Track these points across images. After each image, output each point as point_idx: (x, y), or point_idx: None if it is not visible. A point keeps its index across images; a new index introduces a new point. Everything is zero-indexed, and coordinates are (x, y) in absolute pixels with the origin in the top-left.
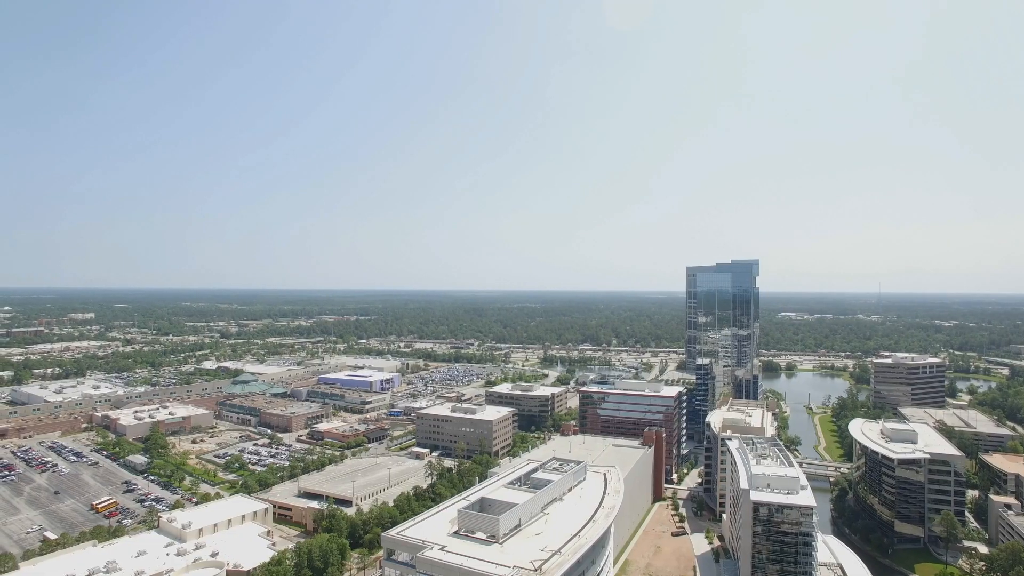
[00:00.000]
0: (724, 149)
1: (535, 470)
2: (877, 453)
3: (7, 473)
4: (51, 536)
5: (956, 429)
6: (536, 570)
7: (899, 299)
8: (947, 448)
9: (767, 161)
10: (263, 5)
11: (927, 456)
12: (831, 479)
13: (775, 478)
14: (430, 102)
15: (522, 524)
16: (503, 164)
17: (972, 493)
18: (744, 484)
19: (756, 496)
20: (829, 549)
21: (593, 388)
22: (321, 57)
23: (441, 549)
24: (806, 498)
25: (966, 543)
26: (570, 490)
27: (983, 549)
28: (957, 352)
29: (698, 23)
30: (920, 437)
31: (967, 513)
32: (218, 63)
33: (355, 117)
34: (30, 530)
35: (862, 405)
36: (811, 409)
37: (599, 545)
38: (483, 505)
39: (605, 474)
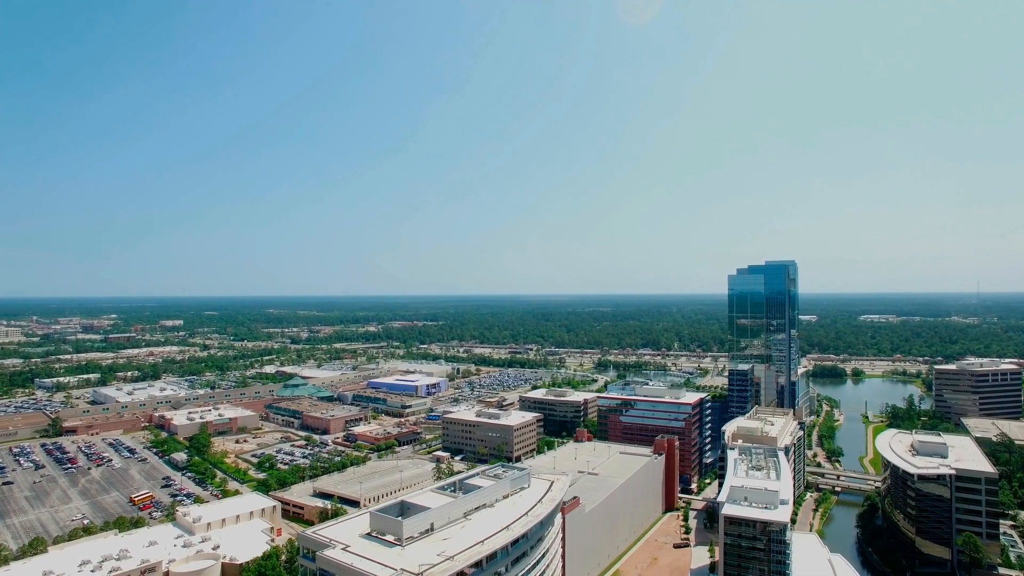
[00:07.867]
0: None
1: (472, 476)
2: (899, 468)
3: (70, 466)
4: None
5: (1017, 443)
6: (419, 574)
7: (1004, 299)
8: (980, 464)
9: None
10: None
11: (952, 472)
12: (866, 493)
13: (754, 491)
14: (506, 114)
15: (435, 528)
16: (587, 169)
17: None
18: (721, 496)
19: (728, 510)
20: (832, 568)
21: (613, 395)
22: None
23: (343, 549)
24: (781, 514)
25: (1003, 571)
26: (505, 497)
27: None
28: None
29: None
30: (954, 451)
31: (1016, 537)
32: (322, 83)
33: (435, 136)
34: (75, 518)
35: (922, 414)
36: (867, 418)
37: (513, 552)
38: (402, 508)
39: (552, 482)
